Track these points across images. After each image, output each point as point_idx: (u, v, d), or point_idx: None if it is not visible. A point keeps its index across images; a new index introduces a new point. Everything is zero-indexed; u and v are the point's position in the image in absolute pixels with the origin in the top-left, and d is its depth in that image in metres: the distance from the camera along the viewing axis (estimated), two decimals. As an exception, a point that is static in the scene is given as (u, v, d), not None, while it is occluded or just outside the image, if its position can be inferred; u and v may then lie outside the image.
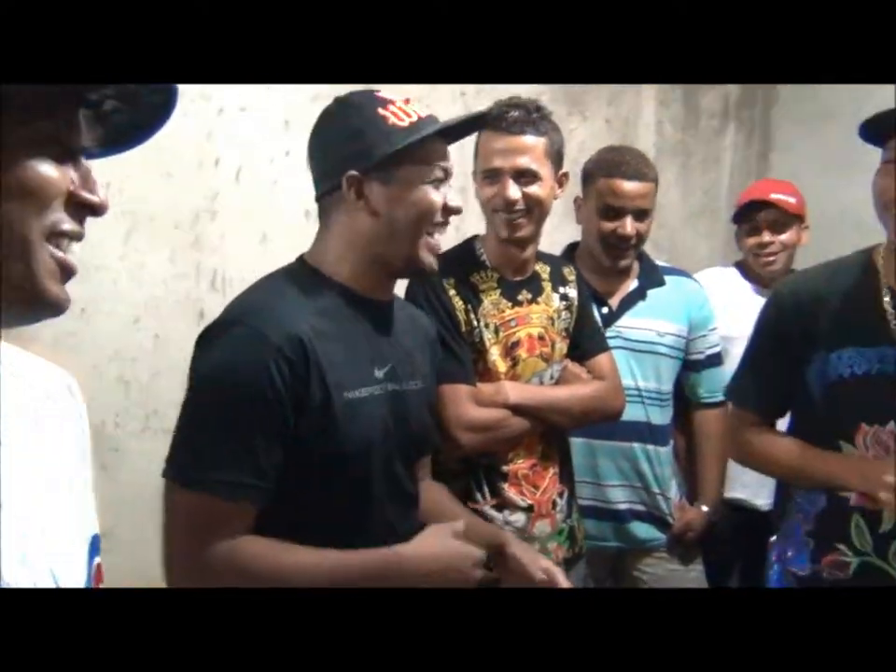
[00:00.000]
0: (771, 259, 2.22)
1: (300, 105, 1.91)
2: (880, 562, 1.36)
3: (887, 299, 1.36)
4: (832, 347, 1.37)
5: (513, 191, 1.53)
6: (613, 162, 1.87)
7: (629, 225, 1.85)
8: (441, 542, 1.15)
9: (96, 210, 0.62)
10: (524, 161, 1.53)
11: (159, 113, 0.67)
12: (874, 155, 1.38)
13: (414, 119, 1.15)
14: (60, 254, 0.60)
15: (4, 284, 0.58)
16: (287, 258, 1.26)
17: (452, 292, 1.56)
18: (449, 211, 1.19)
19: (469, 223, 1.87)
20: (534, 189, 1.54)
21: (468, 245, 1.66)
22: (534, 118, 1.55)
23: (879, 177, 1.33)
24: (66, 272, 0.61)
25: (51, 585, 0.59)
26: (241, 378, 1.05)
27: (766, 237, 2.22)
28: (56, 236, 0.60)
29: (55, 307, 0.61)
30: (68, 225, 0.61)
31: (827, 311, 1.39)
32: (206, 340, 1.11)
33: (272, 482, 1.06)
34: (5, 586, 0.54)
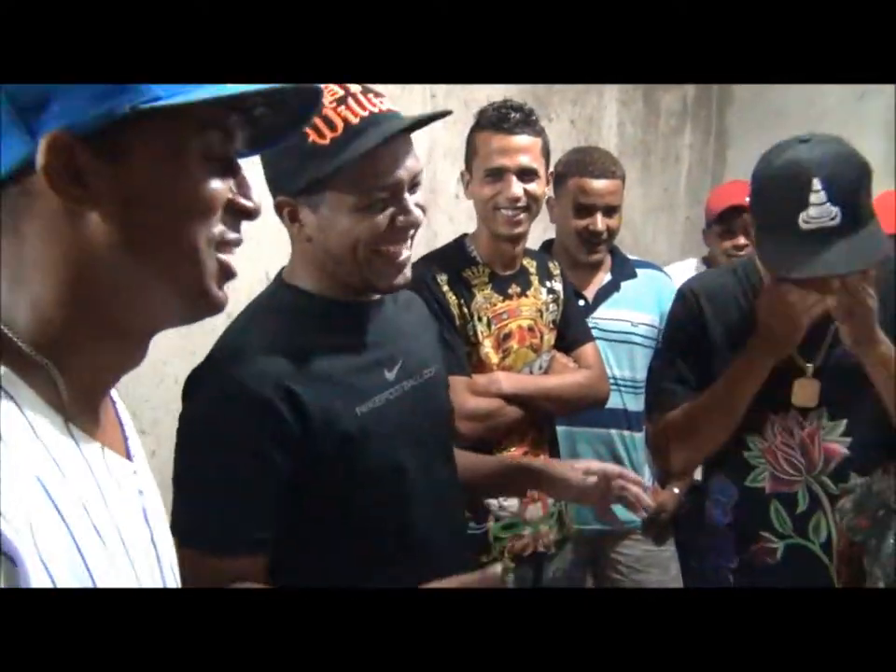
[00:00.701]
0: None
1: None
2: (803, 541, 1.44)
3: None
4: (733, 345, 1.44)
5: (517, 189, 1.59)
6: (582, 163, 1.95)
7: (600, 221, 1.93)
8: None
9: (251, 214, 0.65)
10: (526, 160, 1.60)
11: (305, 113, 0.69)
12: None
13: (338, 132, 1.00)
14: (224, 259, 0.63)
15: (171, 286, 0.61)
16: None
17: (445, 288, 1.62)
18: (399, 228, 1.05)
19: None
20: (533, 187, 1.62)
21: (459, 243, 1.73)
22: (531, 118, 1.63)
23: (791, 295, 1.37)
24: (228, 275, 0.64)
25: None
26: (226, 434, 1.01)
27: (742, 240, 2.30)
28: (222, 245, 0.63)
29: (217, 307, 0.64)
30: (231, 234, 0.64)
31: (726, 310, 1.48)
32: (190, 393, 1.06)
33: (271, 528, 1.03)
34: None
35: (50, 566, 0.51)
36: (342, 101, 1.01)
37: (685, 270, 2.43)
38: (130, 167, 0.58)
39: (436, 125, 2.70)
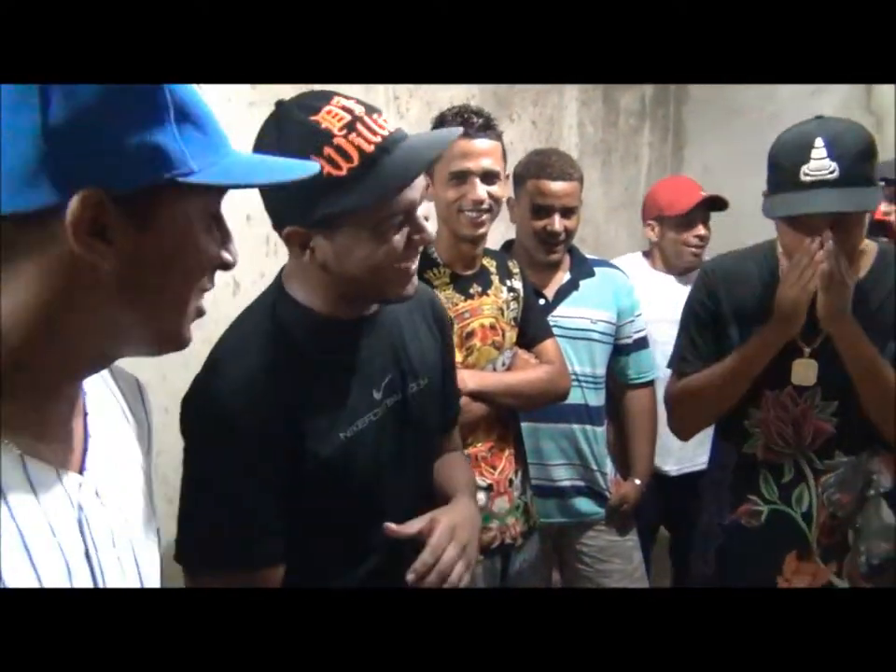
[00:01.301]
0: (702, 251, 2.39)
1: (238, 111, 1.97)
2: (786, 508, 1.55)
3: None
4: (744, 323, 1.55)
5: (481, 191, 1.64)
6: (540, 165, 1.99)
7: (557, 222, 1.97)
8: None
9: (230, 268, 0.69)
10: (488, 163, 1.65)
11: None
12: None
13: (354, 163, 0.98)
14: (200, 304, 0.68)
15: (150, 329, 0.65)
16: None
17: (429, 287, 1.64)
18: (414, 246, 1.08)
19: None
20: (495, 189, 1.66)
21: None
22: (492, 123, 1.67)
23: (785, 235, 1.48)
24: (200, 316, 0.69)
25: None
26: (225, 453, 1.02)
27: (702, 230, 2.38)
28: (202, 292, 0.68)
29: (183, 347, 0.69)
30: (210, 283, 0.69)
31: (742, 290, 1.58)
32: (188, 413, 1.07)
33: (282, 532, 1.06)
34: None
35: None
36: (350, 128, 0.99)
37: (629, 263, 2.49)
38: (149, 229, 0.61)
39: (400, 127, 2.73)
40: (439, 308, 1.35)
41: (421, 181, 1.07)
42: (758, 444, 1.57)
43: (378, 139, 1.00)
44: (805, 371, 1.51)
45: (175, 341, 0.68)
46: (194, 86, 0.65)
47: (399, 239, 1.05)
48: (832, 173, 1.37)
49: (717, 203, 2.40)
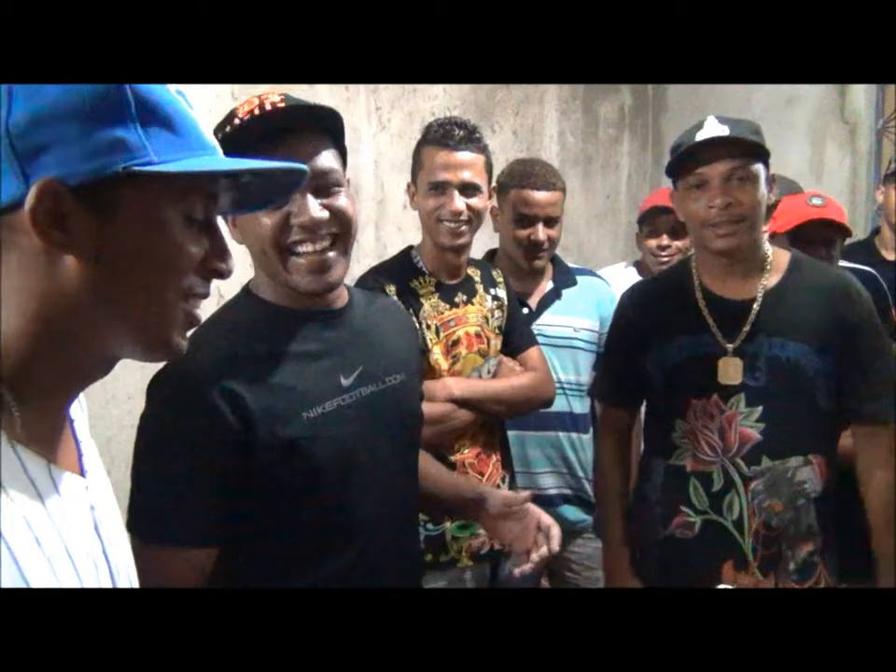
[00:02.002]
0: (666, 259, 2.43)
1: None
2: (717, 517, 1.56)
3: (699, 293, 1.60)
4: (666, 338, 1.60)
5: (459, 203, 1.65)
6: (524, 174, 2.01)
7: (541, 231, 1.99)
8: None
9: (223, 276, 0.69)
10: (468, 176, 1.66)
11: (288, 189, 0.75)
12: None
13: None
14: (190, 309, 0.68)
15: (135, 332, 0.66)
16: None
17: (394, 298, 1.66)
18: (299, 228, 1.09)
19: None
20: (475, 201, 1.68)
21: (405, 255, 1.78)
22: (475, 136, 1.68)
23: (687, 202, 1.56)
24: (193, 324, 0.69)
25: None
26: (172, 432, 1.04)
27: (665, 240, 2.44)
28: (190, 297, 0.68)
29: (175, 354, 0.69)
30: (201, 289, 0.69)
31: (659, 308, 1.65)
32: (148, 394, 1.09)
33: (219, 523, 1.06)
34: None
35: None
36: (257, 108, 1.07)
37: (615, 273, 2.53)
38: (113, 221, 0.62)
39: (382, 138, 2.76)
40: (409, 320, 1.42)
41: (315, 164, 1.07)
42: (686, 455, 1.58)
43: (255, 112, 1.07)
44: (729, 369, 1.54)
45: (162, 345, 0.67)
46: (175, 89, 0.66)
47: (277, 216, 1.08)
48: (723, 132, 1.49)
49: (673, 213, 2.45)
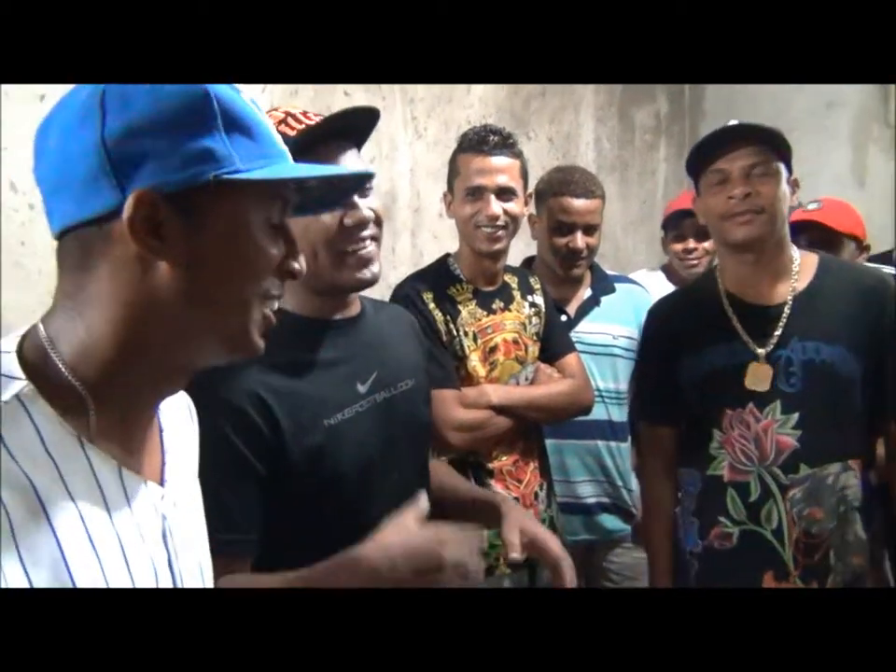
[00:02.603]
0: (694, 262, 2.42)
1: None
2: (755, 527, 1.53)
3: (726, 301, 1.58)
4: (696, 349, 1.58)
5: (496, 207, 1.65)
6: (563, 182, 2.00)
7: (580, 239, 1.98)
8: (401, 530, 0.95)
9: (297, 276, 0.72)
10: (504, 180, 1.66)
11: (347, 193, 0.79)
12: (795, 166, 1.57)
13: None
14: (268, 312, 0.71)
15: (218, 333, 0.68)
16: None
17: (431, 305, 1.67)
18: (350, 228, 1.14)
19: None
20: (511, 206, 1.68)
21: (442, 262, 1.78)
22: (509, 142, 1.69)
23: (707, 198, 1.56)
24: (269, 325, 0.71)
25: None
26: (204, 442, 1.03)
27: (691, 243, 2.42)
28: (266, 299, 0.70)
29: (255, 353, 0.71)
30: (276, 290, 0.71)
31: (687, 320, 1.63)
32: None
33: (253, 532, 1.08)
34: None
35: (30, 569, 0.56)
36: (281, 122, 1.11)
37: (643, 279, 2.51)
38: (203, 227, 0.65)
39: (418, 147, 2.77)
40: (416, 326, 1.43)
41: (355, 162, 1.13)
42: (723, 465, 1.56)
43: (302, 126, 1.11)
44: (758, 375, 1.52)
45: (243, 345, 0.70)
46: (249, 98, 0.69)
47: (330, 219, 1.12)
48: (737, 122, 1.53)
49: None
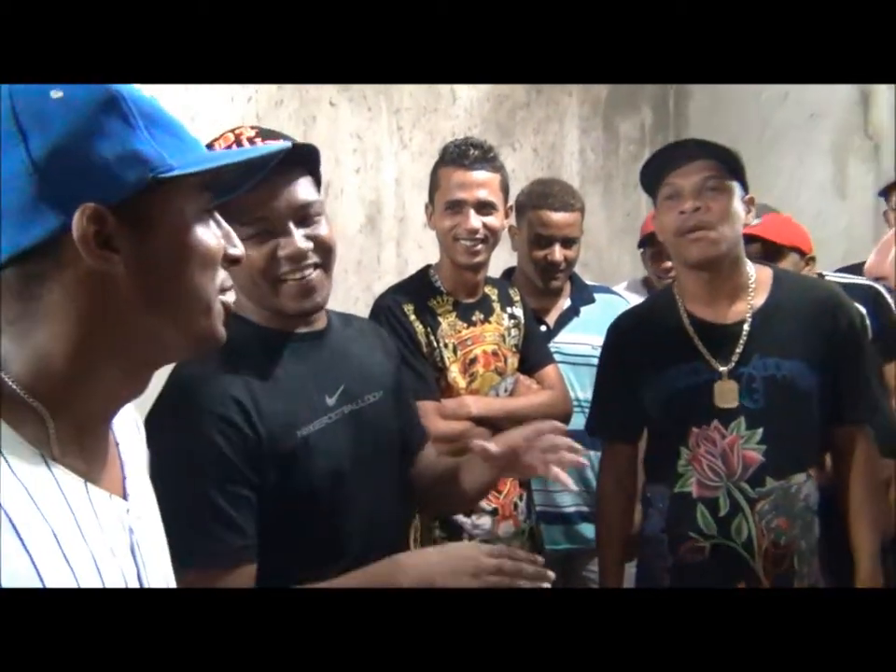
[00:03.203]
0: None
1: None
2: (726, 541, 1.55)
3: (686, 321, 1.59)
4: (659, 369, 1.59)
5: (475, 221, 1.68)
6: (542, 195, 2.02)
7: (558, 252, 2.00)
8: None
9: (239, 261, 0.72)
10: (483, 195, 1.69)
11: (258, 172, 0.76)
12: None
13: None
14: (227, 301, 0.71)
15: (184, 331, 0.68)
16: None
17: (412, 317, 1.69)
18: (286, 259, 1.13)
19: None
20: (491, 220, 1.70)
21: (423, 274, 1.80)
22: (490, 156, 1.71)
23: (661, 215, 1.57)
24: (228, 314, 0.72)
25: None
26: (194, 454, 1.06)
27: (668, 263, 2.39)
28: (224, 290, 0.71)
29: (220, 343, 0.71)
30: (228, 281, 0.72)
31: (648, 339, 1.63)
32: (152, 425, 1.07)
33: (256, 535, 1.09)
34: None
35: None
36: (234, 144, 1.11)
37: (625, 291, 2.53)
38: (151, 230, 0.65)
39: (403, 157, 2.79)
40: (386, 340, 1.42)
41: (297, 196, 1.13)
42: (691, 482, 1.58)
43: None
44: (726, 394, 1.54)
45: (209, 338, 0.70)
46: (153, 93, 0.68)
47: (264, 249, 1.11)
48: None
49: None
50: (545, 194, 2.01)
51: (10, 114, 0.61)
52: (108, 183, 0.61)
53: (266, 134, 1.14)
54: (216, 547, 1.05)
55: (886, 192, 2.15)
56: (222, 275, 0.70)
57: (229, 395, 1.09)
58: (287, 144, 0.75)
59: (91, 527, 0.64)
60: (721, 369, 1.54)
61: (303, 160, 1.14)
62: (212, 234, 0.69)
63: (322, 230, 1.17)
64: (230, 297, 0.73)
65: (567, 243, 2.02)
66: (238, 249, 0.72)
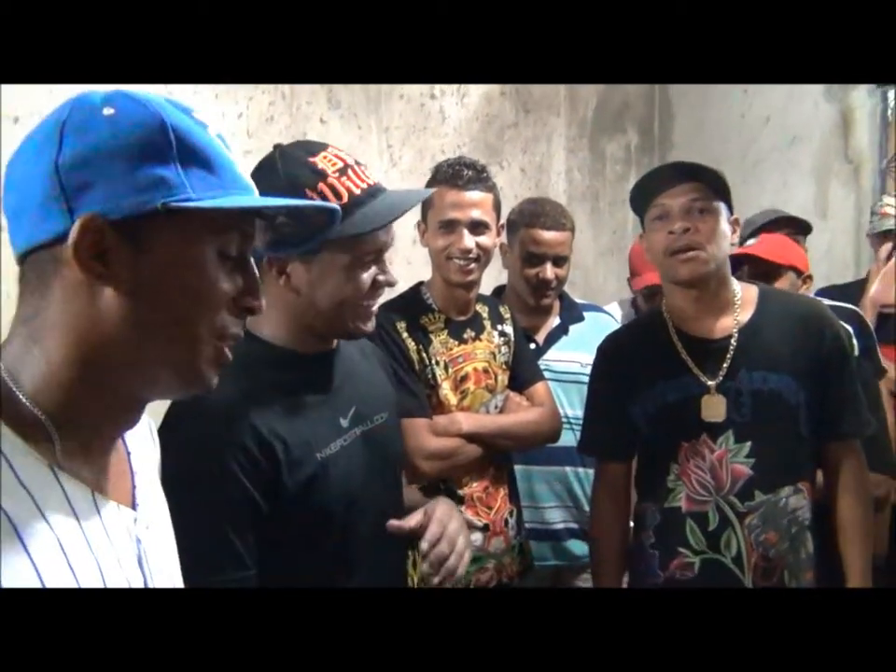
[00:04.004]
0: None
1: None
2: (716, 555, 1.57)
3: (675, 336, 1.61)
4: (648, 385, 1.60)
5: (469, 241, 1.69)
6: (534, 213, 2.03)
7: (549, 270, 2.02)
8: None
9: (255, 312, 0.72)
10: (477, 214, 1.70)
11: (321, 229, 0.78)
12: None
13: (344, 200, 1.09)
14: (222, 348, 0.70)
15: (168, 365, 0.68)
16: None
17: (404, 335, 1.70)
18: (379, 286, 1.18)
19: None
20: (483, 239, 1.72)
21: (415, 291, 1.81)
22: (483, 175, 1.73)
23: (650, 234, 1.60)
24: (224, 363, 0.71)
25: None
26: (204, 481, 1.04)
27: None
28: (224, 337, 0.70)
29: (205, 389, 0.71)
30: (234, 328, 0.71)
31: (637, 356, 1.65)
32: (164, 440, 1.07)
33: (254, 565, 1.07)
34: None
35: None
36: (343, 172, 1.11)
37: (614, 311, 2.54)
38: (150, 255, 0.65)
39: (393, 175, 2.81)
40: (382, 358, 1.44)
41: (392, 230, 1.18)
42: (680, 497, 1.59)
43: (365, 185, 1.13)
44: (713, 407, 1.56)
45: (192, 379, 0.69)
46: (215, 132, 0.70)
47: (366, 278, 1.15)
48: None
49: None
50: (537, 213, 2.03)
51: (60, 122, 0.64)
52: (117, 199, 0.63)
53: (358, 163, 1.15)
54: (213, 579, 1.04)
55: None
56: (224, 321, 0.69)
57: (246, 422, 1.07)
58: (328, 205, 0.75)
59: (97, 537, 0.65)
60: (709, 383, 1.57)
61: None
62: (223, 278, 0.68)
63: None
64: (229, 350, 0.71)
65: (559, 261, 2.04)
66: (257, 301, 0.71)
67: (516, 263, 2.07)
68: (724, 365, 1.57)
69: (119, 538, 0.68)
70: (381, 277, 1.17)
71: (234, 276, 0.70)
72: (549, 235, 2.02)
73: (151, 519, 0.74)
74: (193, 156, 0.66)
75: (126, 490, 0.73)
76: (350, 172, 1.12)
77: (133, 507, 0.72)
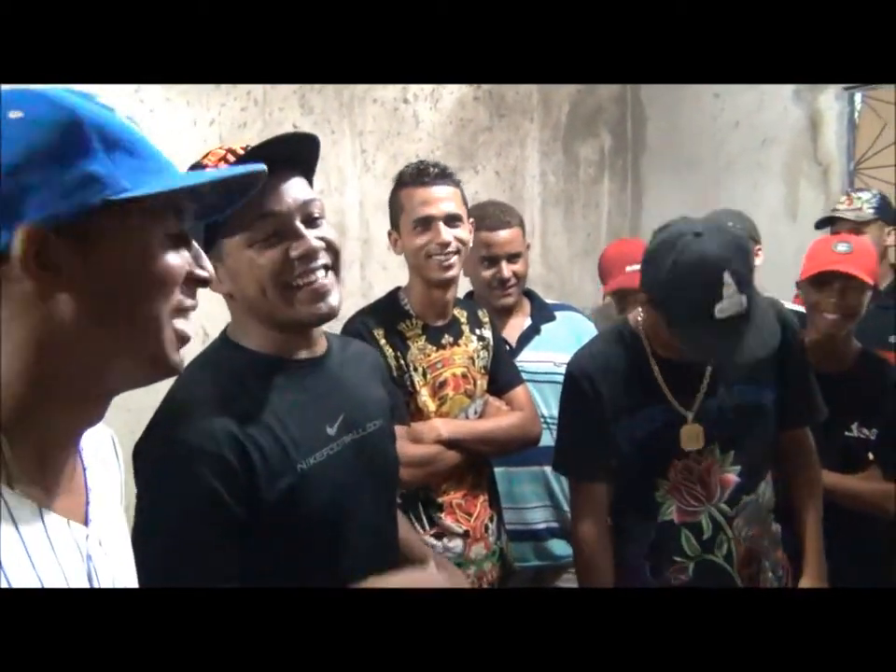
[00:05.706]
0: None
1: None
2: (710, 556, 1.60)
3: (652, 360, 1.60)
4: (630, 410, 1.59)
5: (446, 234, 1.69)
6: (478, 218, 2.01)
7: (505, 269, 2.04)
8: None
9: (206, 282, 0.71)
10: (450, 207, 1.70)
11: (244, 192, 0.75)
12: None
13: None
14: (181, 327, 0.69)
15: (133, 354, 0.67)
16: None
17: (382, 342, 1.69)
18: (298, 259, 1.09)
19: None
20: (460, 232, 1.72)
21: (392, 297, 1.80)
22: (447, 172, 1.73)
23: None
24: (184, 341, 0.70)
25: None
26: (184, 494, 1.03)
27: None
28: (179, 312, 0.69)
29: (174, 371, 0.70)
30: (188, 301, 0.70)
31: (616, 380, 1.60)
32: (142, 460, 1.07)
33: (237, 576, 1.05)
34: None
35: None
36: (221, 160, 1.08)
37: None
38: (98, 251, 0.64)
39: (367, 180, 2.80)
40: (384, 369, 1.41)
41: (300, 195, 1.10)
42: (671, 510, 1.60)
43: (234, 159, 1.06)
44: (691, 436, 1.58)
45: (162, 365, 0.69)
46: (126, 116, 0.69)
47: (276, 252, 1.08)
48: (742, 306, 1.41)
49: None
50: (481, 217, 2.02)
51: None
52: (53, 204, 0.61)
53: (264, 147, 1.07)
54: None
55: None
56: (179, 297, 0.69)
57: (221, 430, 1.04)
58: (256, 167, 0.73)
59: (41, 554, 0.63)
60: (688, 414, 1.57)
61: (299, 158, 1.12)
62: (174, 256, 0.68)
63: (327, 230, 1.14)
64: (188, 325, 0.70)
65: (512, 258, 2.06)
66: (205, 271, 0.71)
67: (475, 267, 2.09)
68: (702, 387, 1.58)
69: (66, 554, 0.66)
70: (294, 252, 1.09)
71: (181, 251, 0.69)
72: (497, 236, 2.04)
73: (105, 535, 0.72)
74: (114, 145, 0.64)
75: (79, 506, 0.71)
76: (230, 156, 1.08)
77: (86, 523, 0.70)
